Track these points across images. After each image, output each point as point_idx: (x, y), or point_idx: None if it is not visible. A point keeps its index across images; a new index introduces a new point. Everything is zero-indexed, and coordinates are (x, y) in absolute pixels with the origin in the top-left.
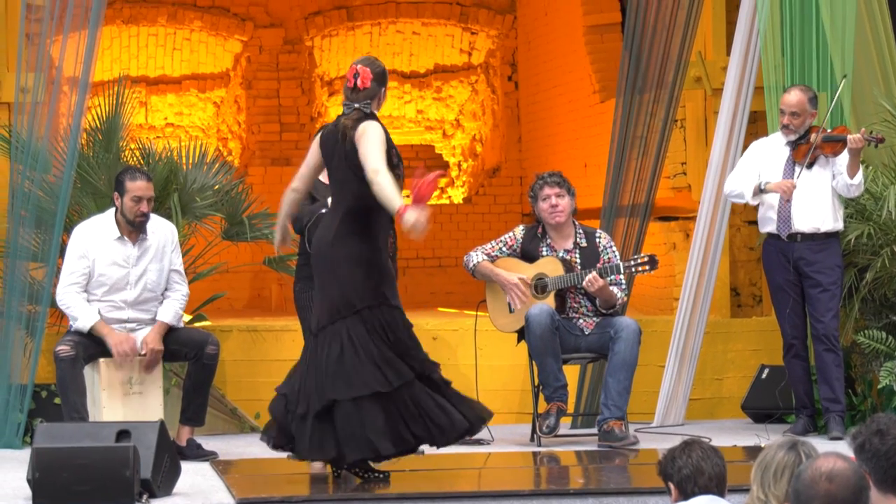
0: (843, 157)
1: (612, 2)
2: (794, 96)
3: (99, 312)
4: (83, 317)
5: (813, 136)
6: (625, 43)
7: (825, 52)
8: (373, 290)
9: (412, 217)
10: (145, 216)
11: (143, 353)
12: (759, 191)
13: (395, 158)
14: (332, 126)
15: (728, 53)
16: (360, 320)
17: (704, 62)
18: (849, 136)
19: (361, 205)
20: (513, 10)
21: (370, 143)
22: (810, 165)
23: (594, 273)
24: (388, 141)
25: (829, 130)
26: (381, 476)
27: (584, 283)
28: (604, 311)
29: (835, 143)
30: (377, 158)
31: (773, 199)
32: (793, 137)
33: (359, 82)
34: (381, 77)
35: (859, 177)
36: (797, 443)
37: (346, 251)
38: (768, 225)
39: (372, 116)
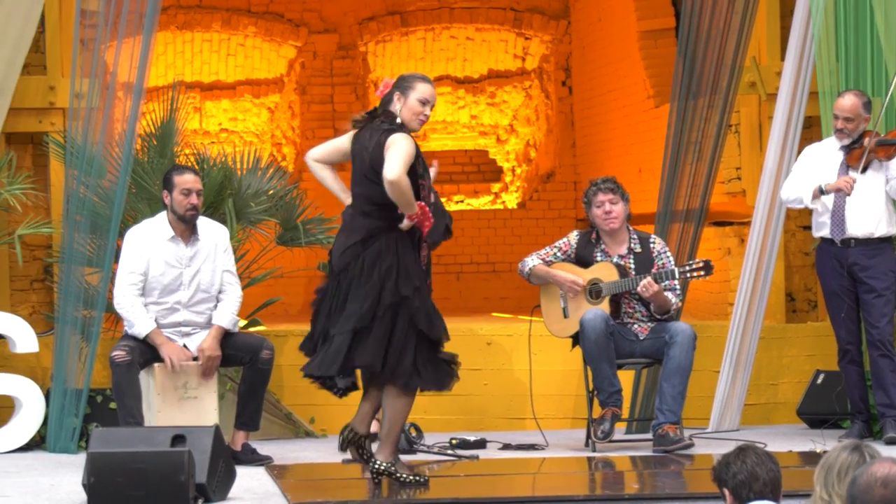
0: None
1: (667, 7)
2: (848, 101)
3: (156, 320)
4: (139, 323)
5: (866, 141)
6: (679, 48)
7: (880, 57)
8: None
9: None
10: (195, 209)
11: (197, 359)
12: (820, 192)
13: (420, 168)
14: (368, 129)
15: (782, 58)
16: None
17: (759, 67)
18: None
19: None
20: (567, 15)
21: (395, 152)
22: (864, 170)
23: (649, 278)
24: (417, 151)
25: (882, 135)
26: (417, 480)
27: (638, 288)
28: (658, 317)
29: (888, 147)
30: (398, 166)
31: (828, 203)
32: (846, 142)
33: (378, 93)
34: (395, 84)
35: None
36: (861, 444)
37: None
38: (822, 229)
39: (401, 129)
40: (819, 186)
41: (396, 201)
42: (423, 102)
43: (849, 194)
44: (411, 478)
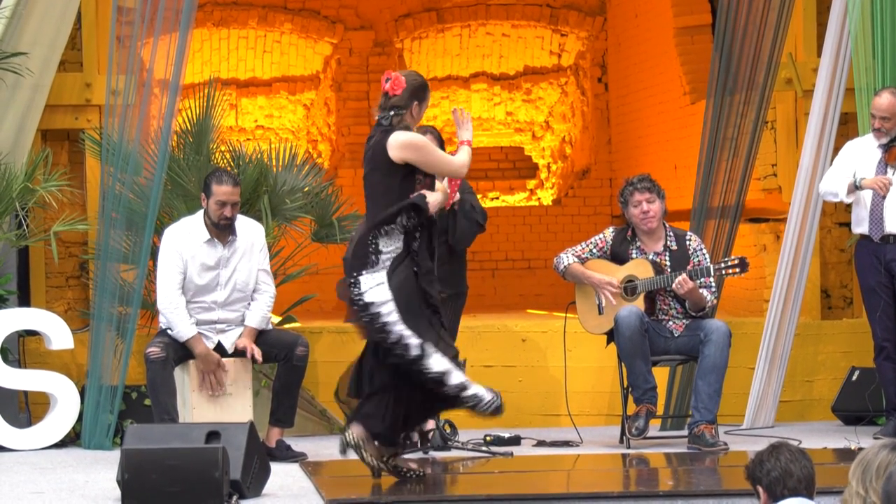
0: None
1: (703, 3)
2: (886, 100)
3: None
4: (181, 328)
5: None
6: (715, 44)
7: None
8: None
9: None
10: (229, 220)
11: (234, 355)
12: (855, 187)
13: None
14: (368, 137)
15: (819, 55)
16: None
17: (795, 63)
18: None
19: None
20: (603, 11)
21: (427, 155)
22: None
23: (684, 275)
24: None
25: None
26: (416, 475)
27: (673, 285)
28: (693, 314)
29: None
30: (447, 162)
31: (866, 200)
32: (884, 141)
33: (388, 87)
34: (416, 90)
35: None
36: None
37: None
38: (861, 226)
39: (400, 129)
40: (854, 181)
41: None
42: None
43: (883, 196)
44: (409, 473)
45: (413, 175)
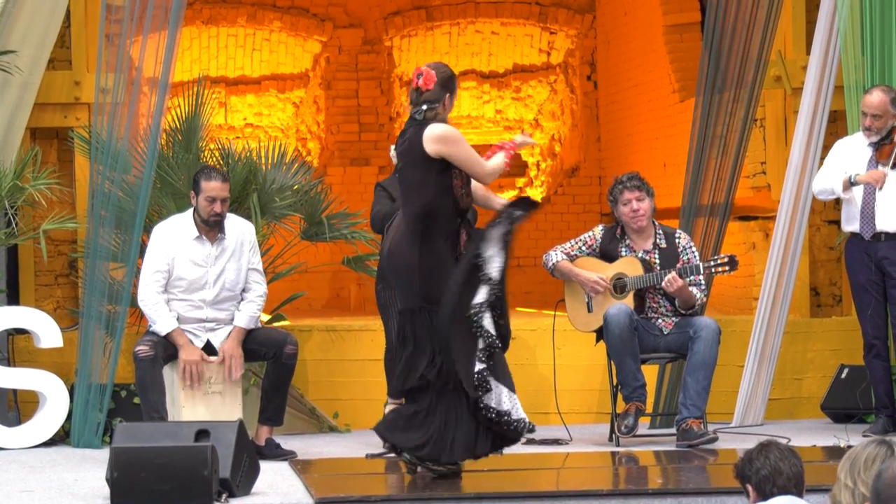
0: None
1: (692, 1)
2: (876, 97)
3: (178, 318)
4: (161, 322)
5: (885, 166)
6: (704, 42)
7: None
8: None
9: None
10: (219, 216)
11: (220, 360)
12: (850, 184)
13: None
14: (402, 132)
15: (808, 52)
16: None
17: (784, 61)
18: None
19: (424, 210)
20: (592, 9)
21: (461, 151)
22: (895, 165)
23: (674, 273)
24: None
25: None
26: (449, 471)
27: (663, 283)
28: (683, 312)
29: None
30: (478, 162)
31: (857, 198)
32: (875, 139)
33: (421, 83)
34: (446, 82)
35: None
36: (888, 440)
37: (405, 256)
38: (852, 224)
39: (437, 122)
40: (849, 176)
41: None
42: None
43: (879, 189)
44: (440, 468)
45: (450, 170)
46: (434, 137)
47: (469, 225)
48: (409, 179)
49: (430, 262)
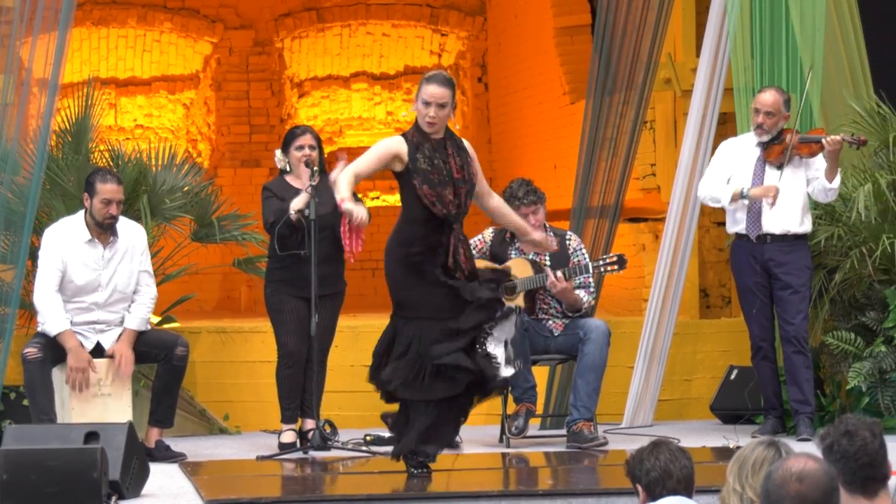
0: (820, 161)
1: (583, 3)
2: (770, 96)
3: (70, 320)
4: (52, 323)
5: (788, 137)
6: (595, 44)
7: (795, 54)
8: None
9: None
10: (114, 219)
11: (112, 356)
12: (741, 196)
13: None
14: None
15: (698, 55)
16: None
17: (674, 64)
18: (825, 139)
19: (399, 217)
20: (483, 11)
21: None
22: (781, 167)
23: (559, 273)
24: (408, 151)
25: (802, 133)
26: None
27: (547, 283)
28: (570, 315)
29: (812, 145)
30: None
31: (745, 200)
32: (765, 138)
33: None
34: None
35: (837, 181)
36: (776, 441)
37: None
38: (738, 225)
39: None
40: (741, 189)
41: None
42: (426, 103)
43: (772, 205)
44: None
45: (411, 178)
46: None
47: (458, 236)
48: None
49: (401, 269)
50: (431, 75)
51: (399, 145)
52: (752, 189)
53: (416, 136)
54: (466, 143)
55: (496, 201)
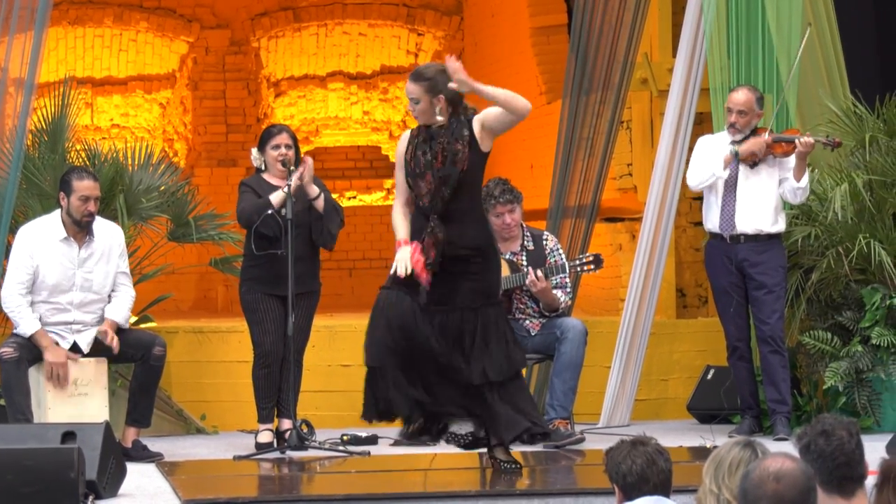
0: (793, 162)
1: (559, 3)
2: (742, 95)
3: (40, 319)
4: (24, 323)
5: (764, 136)
6: (571, 44)
7: (771, 54)
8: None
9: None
10: (92, 216)
11: (86, 355)
12: (734, 155)
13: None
14: None
15: (674, 55)
16: None
17: (650, 64)
18: (799, 139)
19: None
20: (459, 11)
21: None
22: (755, 165)
23: (539, 272)
24: (404, 149)
25: (775, 132)
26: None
27: (527, 281)
28: (547, 314)
29: (786, 144)
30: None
31: (717, 198)
32: (738, 137)
33: None
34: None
35: (805, 180)
36: (752, 441)
37: None
38: (712, 223)
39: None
40: (732, 149)
41: None
42: (410, 99)
43: (766, 144)
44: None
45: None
46: None
47: (436, 231)
48: None
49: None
50: (411, 72)
51: (402, 144)
52: (742, 145)
53: (420, 127)
54: (476, 118)
55: (494, 112)
